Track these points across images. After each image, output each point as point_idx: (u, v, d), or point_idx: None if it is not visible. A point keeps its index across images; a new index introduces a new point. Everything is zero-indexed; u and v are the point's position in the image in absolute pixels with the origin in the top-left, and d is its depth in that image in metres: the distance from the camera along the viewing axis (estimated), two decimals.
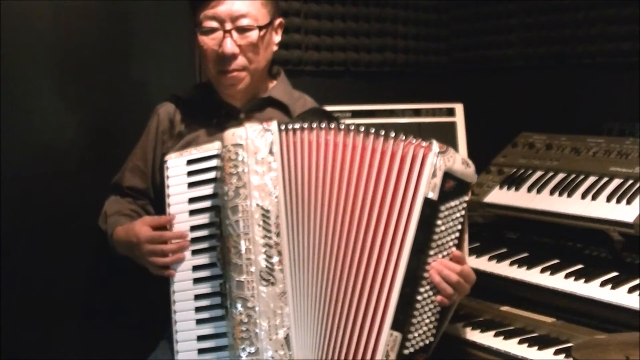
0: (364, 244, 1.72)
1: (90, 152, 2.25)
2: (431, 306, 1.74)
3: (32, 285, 2.17)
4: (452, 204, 1.74)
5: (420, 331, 1.74)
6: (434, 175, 1.72)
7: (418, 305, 1.73)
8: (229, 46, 1.87)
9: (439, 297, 1.73)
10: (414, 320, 1.73)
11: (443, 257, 1.74)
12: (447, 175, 1.73)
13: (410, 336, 1.73)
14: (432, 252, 1.73)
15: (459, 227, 1.76)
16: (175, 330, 1.79)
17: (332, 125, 1.75)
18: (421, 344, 1.74)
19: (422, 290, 1.73)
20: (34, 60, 2.14)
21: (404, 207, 1.72)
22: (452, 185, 1.74)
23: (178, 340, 1.79)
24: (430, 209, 1.72)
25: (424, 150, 1.74)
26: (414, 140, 1.75)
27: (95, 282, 2.27)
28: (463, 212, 1.76)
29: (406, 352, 1.73)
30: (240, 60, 1.90)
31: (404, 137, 1.75)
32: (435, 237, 1.73)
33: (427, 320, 1.74)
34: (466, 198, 1.76)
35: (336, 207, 1.72)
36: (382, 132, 1.75)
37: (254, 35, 1.89)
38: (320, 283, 1.72)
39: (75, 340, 2.25)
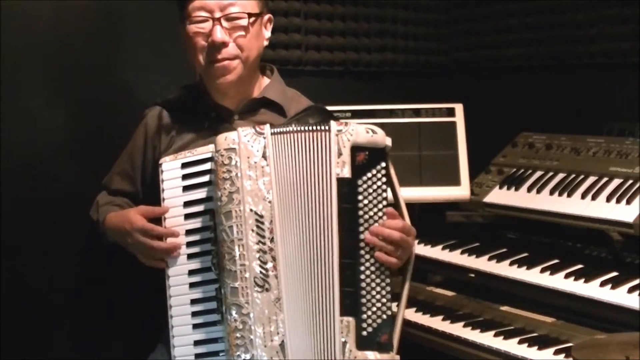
0: (322, 241, 1.72)
1: (90, 152, 2.25)
2: (378, 281, 1.73)
3: (31, 286, 2.16)
4: (369, 174, 1.73)
5: (374, 308, 1.73)
6: (339, 153, 1.72)
7: (363, 284, 1.73)
8: (219, 34, 1.86)
9: (380, 255, 1.72)
10: (364, 300, 1.72)
11: None
12: (355, 149, 1.73)
13: (364, 316, 1.72)
14: (362, 229, 1.73)
15: (384, 195, 1.74)
16: (172, 335, 1.78)
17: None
18: (379, 321, 1.73)
19: (362, 268, 1.73)
20: (33, 60, 2.14)
21: (325, 193, 1.72)
22: (364, 157, 1.73)
23: (175, 345, 1.77)
24: (347, 187, 1.72)
25: (325, 135, 1.73)
26: (316, 128, 1.74)
27: (93, 284, 2.27)
28: (385, 180, 1.74)
29: (365, 333, 1.72)
30: (231, 49, 1.88)
31: (312, 128, 1.74)
32: (361, 212, 1.73)
33: (378, 296, 1.73)
34: (384, 164, 1.74)
35: (313, 209, 1.73)
36: (306, 128, 1.75)
37: (243, 21, 1.88)
38: (309, 287, 1.72)
39: (73, 342, 2.25)
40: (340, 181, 1.72)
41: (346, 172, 1.73)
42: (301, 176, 1.73)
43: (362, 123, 1.79)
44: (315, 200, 1.73)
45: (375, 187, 1.73)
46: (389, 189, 1.77)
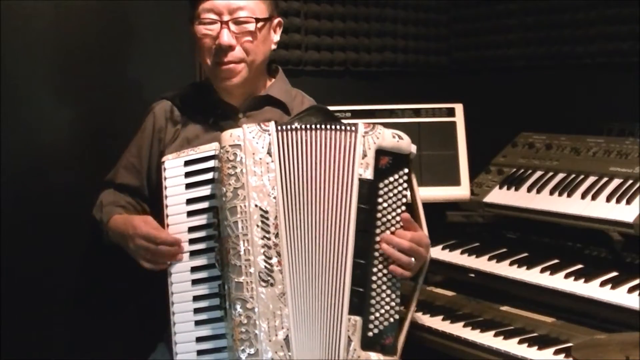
0: (335, 238, 1.74)
1: (90, 152, 2.25)
2: (389, 284, 1.75)
3: (32, 285, 2.16)
4: (391, 179, 1.76)
5: (382, 311, 1.75)
6: (364, 155, 1.75)
7: (374, 286, 1.75)
8: (226, 37, 1.87)
9: (395, 268, 1.74)
10: (373, 302, 1.74)
11: (391, 233, 1.76)
12: (380, 152, 1.75)
13: (371, 317, 1.74)
14: (378, 231, 1.75)
15: (404, 200, 1.77)
16: (174, 332, 1.79)
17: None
18: (385, 323, 1.75)
19: (375, 270, 1.75)
20: (34, 60, 2.14)
21: (345, 192, 1.74)
22: (387, 161, 1.76)
23: (177, 341, 1.79)
24: (368, 189, 1.74)
25: (352, 135, 1.75)
26: (343, 128, 1.76)
27: (94, 283, 2.27)
28: (405, 185, 1.77)
29: (370, 334, 1.74)
30: (237, 52, 1.90)
31: (338, 127, 1.76)
32: (379, 214, 1.75)
33: (388, 299, 1.75)
34: (406, 170, 1.77)
35: (326, 206, 1.74)
36: (330, 126, 1.76)
37: (251, 26, 1.89)
38: (316, 282, 1.73)
39: (74, 341, 2.25)
40: (362, 182, 1.74)
41: (368, 174, 1.75)
42: (318, 173, 1.74)
43: (387, 124, 1.81)
44: (332, 198, 1.74)
45: (395, 191, 1.76)
46: (408, 195, 1.79)
